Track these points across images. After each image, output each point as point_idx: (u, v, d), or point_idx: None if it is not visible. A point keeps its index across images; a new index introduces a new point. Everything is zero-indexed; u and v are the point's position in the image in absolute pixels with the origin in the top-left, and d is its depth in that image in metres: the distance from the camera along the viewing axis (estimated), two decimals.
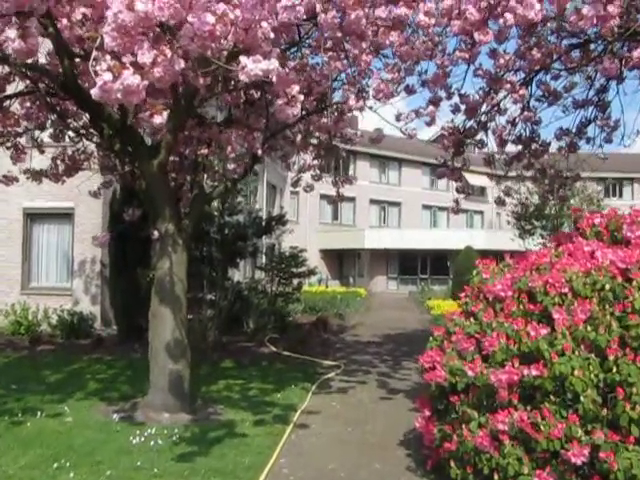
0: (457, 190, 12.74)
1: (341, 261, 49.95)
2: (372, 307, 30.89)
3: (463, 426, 5.28)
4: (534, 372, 4.76)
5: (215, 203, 18.80)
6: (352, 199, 50.26)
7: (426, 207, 55.73)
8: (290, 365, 12.96)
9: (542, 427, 4.64)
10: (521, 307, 5.46)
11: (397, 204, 53.98)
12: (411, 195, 54.00)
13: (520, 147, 12.13)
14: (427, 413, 6.40)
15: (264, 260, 23.97)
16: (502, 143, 11.94)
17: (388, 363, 13.54)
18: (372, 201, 52.29)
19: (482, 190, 59.38)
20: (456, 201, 12.18)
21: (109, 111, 7.73)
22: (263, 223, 18.27)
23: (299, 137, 10.05)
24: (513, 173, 12.57)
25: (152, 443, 7.25)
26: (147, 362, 8.89)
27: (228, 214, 18.48)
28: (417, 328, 21.04)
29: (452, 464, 5.45)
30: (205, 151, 9.23)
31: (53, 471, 6.33)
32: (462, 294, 6.39)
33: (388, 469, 6.64)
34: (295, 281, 19.63)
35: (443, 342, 6.34)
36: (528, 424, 4.71)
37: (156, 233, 8.39)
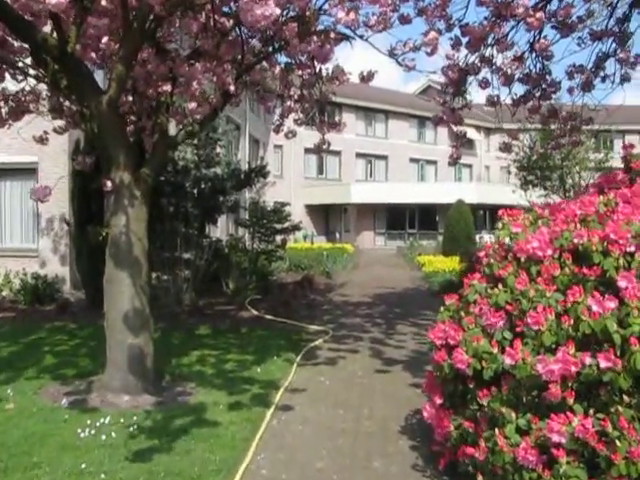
0: (456, 136, 11.37)
1: (327, 216, 48.72)
2: (360, 264, 29.70)
3: (496, 430, 4.01)
4: (604, 363, 3.47)
5: (189, 154, 17.46)
6: (337, 152, 48.93)
7: (413, 160, 54.56)
8: (272, 331, 11.71)
9: (617, 442, 3.39)
10: (567, 271, 4.18)
11: (384, 157, 52.66)
12: (398, 148, 52.72)
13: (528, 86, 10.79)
14: (438, 401, 5.17)
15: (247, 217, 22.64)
16: (508, 81, 10.57)
17: (381, 327, 12.33)
18: (358, 154, 50.97)
19: (470, 143, 58.07)
20: (456, 147, 10.84)
21: (43, 35, 6.29)
22: (242, 175, 16.84)
23: (277, 69, 8.64)
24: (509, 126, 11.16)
25: (104, 437, 5.97)
26: None
27: (205, 166, 17.10)
28: (408, 286, 19.89)
29: (480, 478, 4.20)
30: (167, 88, 7.80)
31: None
32: (482, 252, 5.09)
33: (390, 469, 5.41)
34: (278, 238, 18.34)
35: (458, 313, 5.08)
36: (594, 435, 3.46)
37: (109, 184, 7.03)
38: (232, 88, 7.89)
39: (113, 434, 6.05)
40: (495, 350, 4.24)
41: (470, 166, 58.27)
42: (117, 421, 6.44)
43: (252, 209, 18.86)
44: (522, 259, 4.54)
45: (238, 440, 6.02)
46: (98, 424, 6.31)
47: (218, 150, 17.89)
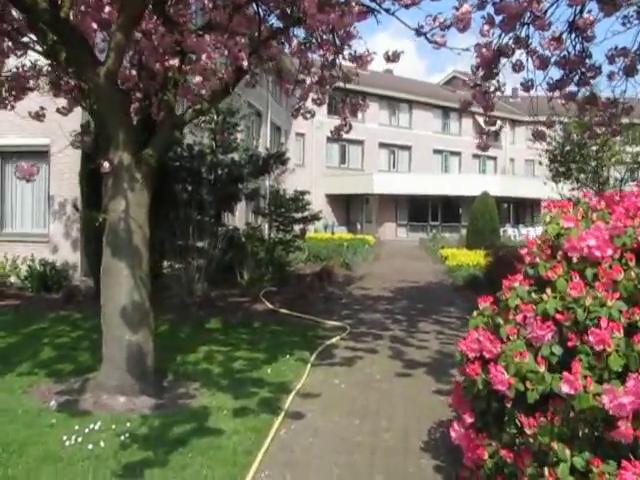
0: (485, 122, 10.60)
1: (348, 206, 47.98)
2: (381, 255, 28.98)
3: (545, 470, 3.30)
4: None
5: (207, 139, 16.82)
6: (360, 142, 48.22)
7: (437, 151, 53.67)
8: (287, 326, 11.05)
9: None
10: (631, 275, 3.46)
11: (407, 148, 51.79)
12: (422, 139, 51.85)
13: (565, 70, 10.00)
14: (468, 420, 4.47)
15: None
16: (544, 64, 9.79)
17: (402, 324, 11.62)
18: (381, 144, 50.16)
19: (495, 135, 56.80)
20: (487, 133, 10.09)
21: None
22: (260, 162, 16.17)
23: (295, 43, 7.93)
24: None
25: (91, 447, 5.34)
26: None
27: (222, 152, 16.48)
28: (431, 280, 19.14)
29: None
30: (175, 62, 7.14)
31: None
32: (523, 250, 4.36)
33: None
34: (297, 227, 17.67)
35: (494, 319, 4.37)
36: None
37: (107, 165, 6.38)
38: (245, 63, 7.21)
39: (102, 443, 5.41)
40: (542, 369, 3.53)
41: (495, 158, 57.27)
42: (109, 427, 5.82)
43: (271, 197, 18.20)
44: (574, 259, 3.82)
45: (240, 453, 5.36)
46: (87, 430, 5.68)
47: (236, 135, 17.25)
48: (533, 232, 46.87)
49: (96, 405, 6.45)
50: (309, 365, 8.41)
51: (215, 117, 16.56)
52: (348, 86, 9.41)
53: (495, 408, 4.28)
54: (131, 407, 6.45)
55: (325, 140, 45.84)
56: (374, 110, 48.04)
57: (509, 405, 3.93)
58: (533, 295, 3.99)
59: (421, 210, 46.77)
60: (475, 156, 56.08)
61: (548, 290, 3.77)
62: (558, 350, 3.61)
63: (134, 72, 7.56)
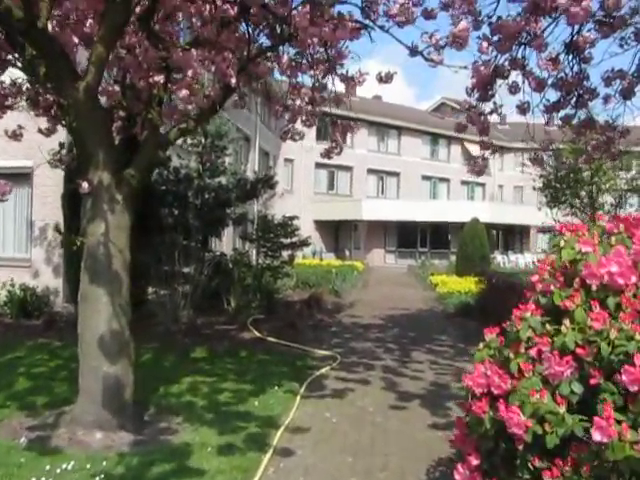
0: (481, 145, 10.32)
1: (337, 233, 47.65)
2: (370, 282, 28.62)
3: None
4: None
5: (194, 163, 16.49)
6: (349, 168, 48.06)
7: (426, 178, 53.58)
8: (275, 355, 10.63)
9: None
10: None
11: (396, 174, 51.63)
12: (410, 165, 51.75)
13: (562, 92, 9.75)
14: (474, 462, 4.08)
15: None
16: (540, 86, 9.54)
17: (394, 354, 11.22)
18: (370, 170, 49.97)
19: (474, 162, 56.63)
20: (483, 158, 9.80)
21: (7, 4, 5.28)
22: (248, 186, 15.82)
23: (285, 59, 7.60)
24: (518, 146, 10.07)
25: None
26: None
27: (209, 175, 16.14)
28: (422, 308, 18.77)
29: None
30: (160, 79, 6.81)
31: None
32: (534, 277, 4.01)
33: None
34: (285, 253, 17.29)
35: (502, 353, 4.02)
36: None
37: (85, 185, 6.02)
38: (234, 81, 6.89)
39: None
40: (562, 409, 3.17)
41: (483, 185, 57.31)
42: (83, 467, 5.39)
43: (259, 222, 17.83)
44: (594, 287, 3.48)
45: None
46: (59, 471, 5.26)
47: (224, 159, 16.93)
48: (522, 259, 46.81)
49: (71, 442, 6.02)
50: (298, 397, 7.99)
51: (203, 140, 16.26)
52: (337, 112, 9.14)
53: (504, 449, 3.91)
54: (108, 444, 6.02)
55: (314, 166, 45.65)
56: (363, 136, 47.96)
57: (521, 447, 3.56)
58: (547, 327, 3.64)
59: (410, 236, 46.50)
60: (464, 182, 56.06)
61: (566, 321, 3.42)
62: (578, 388, 3.26)
63: (117, 88, 7.19)
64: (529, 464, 3.56)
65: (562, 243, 3.84)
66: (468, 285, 21.22)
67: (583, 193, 16.50)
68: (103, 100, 7.77)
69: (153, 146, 6.90)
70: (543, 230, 52.67)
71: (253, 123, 34.35)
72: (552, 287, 3.72)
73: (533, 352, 3.55)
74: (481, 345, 4.31)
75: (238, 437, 6.33)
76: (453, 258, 39.10)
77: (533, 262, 47.14)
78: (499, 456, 3.99)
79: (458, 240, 33.62)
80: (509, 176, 56.68)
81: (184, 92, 6.36)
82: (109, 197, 6.22)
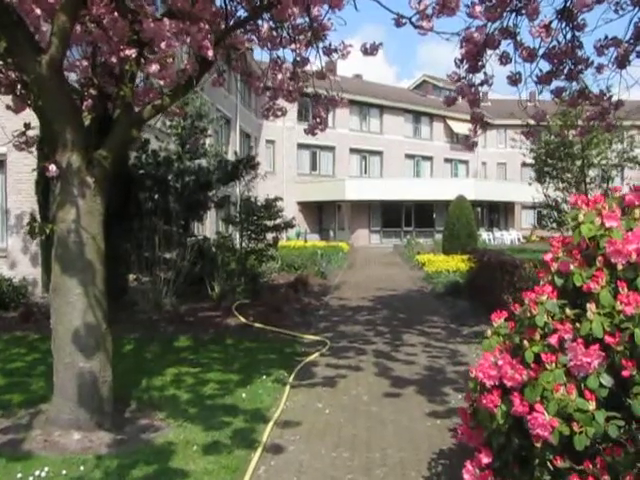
0: (472, 118, 9.94)
1: (320, 214, 47.20)
2: (356, 263, 28.26)
3: None
4: None
5: (173, 145, 16.00)
6: (331, 148, 47.60)
7: (409, 156, 53.19)
8: (262, 342, 10.24)
9: None
10: None
11: (379, 153, 51.18)
12: (393, 144, 51.30)
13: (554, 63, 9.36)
14: (485, 459, 3.73)
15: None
16: (531, 56, 9.14)
17: (385, 337, 10.86)
18: (352, 150, 49.47)
19: (467, 138, 56.36)
20: (474, 130, 9.43)
21: None
22: (229, 167, 15.36)
23: (265, 28, 7.14)
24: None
25: None
26: None
27: (189, 158, 15.68)
28: (410, 288, 18.42)
29: None
30: (132, 53, 6.33)
31: None
32: (547, 256, 3.63)
33: None
34: (270, 236, 16.86)
35: (513, 340, 3.66)
36: None
37: (53, 168, 5.57)
38: (210, 53, 6.43)
39: None
40: (591, 406, 2.80)
41: (466, 162, 57.08)
42: (58, 472, 4.98)
43: (242, 205, 17.36)
44: (619, 266, 3.10)
45: None
46: (31, 479, 4.84)
47: (204, 140, 16.45)
48: (508, 236, 46.65)
49: (46, 444, 5.61)
50: (288, 387, 7.61)
51: (182, 121, 15.77)
52: (317, 91, 8.72)
53: (517, 445, 3.56)
54: (86, 445, 5.62)
55: (296, 147, 45.15)
56: (344, 115, 47.46)
57: (539, 445, 3.20)
58: (567, 311, 3.26)
59: (394, 216, 46.16)
60: (447, 160, 55.77)
61: (591, 305, 3.04)
62: (608, 381, 2.89)
63: (85, 63, 6.71)
64: (549, 464, 3.21)
65: (581, 217, 3.45)
66: (456, 264, 20.90)
67: (575, 167, 16.08)
68: (73, 77, 7.31)
69: (126, 125, 6.43)
70: (528, 206, 52.56)
71: (233, 104, 33.75)
72: (571, 267, 3.33)
73: (553, 340, 3.18)
74: (489, 332, 3.94)
75: (225, 433, 5.95)
76: (438, 237, 38.82)
77: (519, 239, 47.09)
78: (511, 453, 3.64)
79: (443, 218, 33.29)
80: (492, 153, 56.42)
81: (154, 66, 5.87)
82: (79, 180, 5.76)
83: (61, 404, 5.92)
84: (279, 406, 6.82)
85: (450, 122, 54.81)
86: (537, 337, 3.42)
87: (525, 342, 3.44)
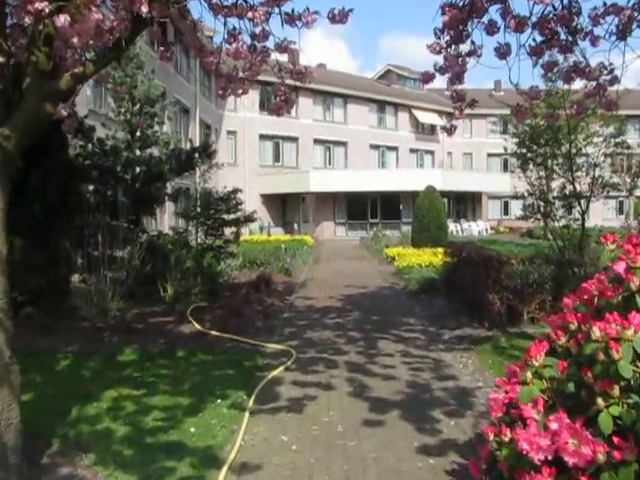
0: (452, 97, 8.75)
1: (284, 206, 45.99)
2: (322, 257, 27.09)
3: None
4: None
5: (121, 133, 14.63)
6: (294, 139, 46.44)
7: (374, 147, 52.29)
8: (218, 354, 8.97)
9: None
10: None
11: (343, 144, 50.13)
12: (357, 134, 50.34)
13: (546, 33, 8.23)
14: None
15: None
16: (521, 26, 8.00)
17: (358, 344, 9.64)
18: (316, 141, 48.36)
19: (432, 128, 55.70)
20: (459, 109, 8.25)
21: None
22: (183, 156, 14.02)
23: None
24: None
25: None
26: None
27: (139, 147, 14.31)
28: (381, 285, 17.28)
29: None
30: (44, 5, 5.03)
31: None
32: (620, 266, 2.46)
33: None
34: (228, 231, 15.57)
35: (566, 389, 2.48)
36: None
37: None
38: (145, 9, 5.15)
39: None
40: None
41: (432, 152, 56.38)
42: None
43: (199, 197, 16.01)
44: None
45: None
46: None
47: (155, 127, 15.10)
48: (475, 227, 45.91)
49: None
50: (247, 413, 6.35)
51: (130, 106, 14.42)
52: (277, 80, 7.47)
53: None
54: None
55: (258, 138, 43.87)
56: (308, 105, 46.30)
57: None
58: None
59: (359, 207, 45.12)
60: (412, 151, 54.95)
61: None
62: None
63: None
64: None
65: (608, 243, 2.27)
66: (428, 258, 19.85)
67: (561, 152, 15.03)
68: None
69: (37, 97, 5.12)
70: (495, 197, 51.79)
71: (193, 94, 32.30)
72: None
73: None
74: (529, 375, 2.75)
75: None
76: (405, 228, 37.90)
77: (486, 229, 46.35)
78: None
79: (410, 209, 32.28)
80: (458, 143, 55.65)
81: (63, 18, 4.56)
82: None
83: None
84: (235, 442, 5.55)
85: (415, 112, 53.97)
86: (616, 392, 2.24)
87: (599, 400, 2.25)
